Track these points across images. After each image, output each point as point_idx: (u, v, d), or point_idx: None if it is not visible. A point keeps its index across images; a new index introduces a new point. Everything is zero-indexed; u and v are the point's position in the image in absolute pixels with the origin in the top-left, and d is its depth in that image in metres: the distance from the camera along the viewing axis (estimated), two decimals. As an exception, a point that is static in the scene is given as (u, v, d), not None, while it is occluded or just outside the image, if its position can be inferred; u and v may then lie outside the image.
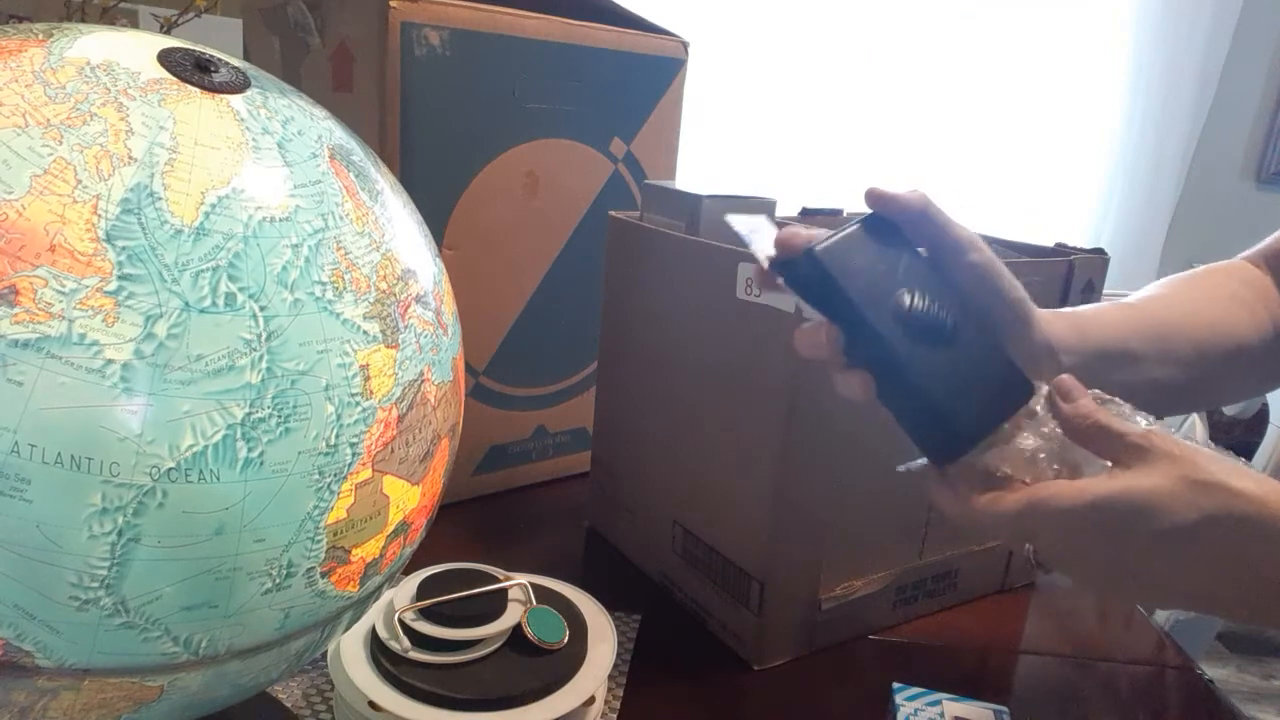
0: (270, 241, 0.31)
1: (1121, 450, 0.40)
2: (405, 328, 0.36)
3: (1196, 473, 0.38)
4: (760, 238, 0.47)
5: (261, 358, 0.30)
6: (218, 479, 0.30)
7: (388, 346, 0.34)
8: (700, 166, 2.00)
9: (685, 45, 0.84)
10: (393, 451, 0.35)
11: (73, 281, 0.28)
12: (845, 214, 0.83)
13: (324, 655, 0.50)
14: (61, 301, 0.28)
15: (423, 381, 0.37)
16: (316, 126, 0.36)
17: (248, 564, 0.31)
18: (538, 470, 0.85)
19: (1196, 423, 1.34)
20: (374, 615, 0.49)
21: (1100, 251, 0.68)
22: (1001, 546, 0.71)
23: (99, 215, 0.29)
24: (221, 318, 0.30)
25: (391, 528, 0.37)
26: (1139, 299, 0.57)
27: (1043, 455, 0.42)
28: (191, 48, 0.35)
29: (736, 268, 0.57)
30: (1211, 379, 0.56)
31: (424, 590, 0.50)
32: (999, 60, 2.21)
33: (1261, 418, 1.41)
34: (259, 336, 0.30)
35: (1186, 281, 0.59)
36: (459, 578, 0.51)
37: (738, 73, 2.09)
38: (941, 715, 0.50)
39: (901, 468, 0.46)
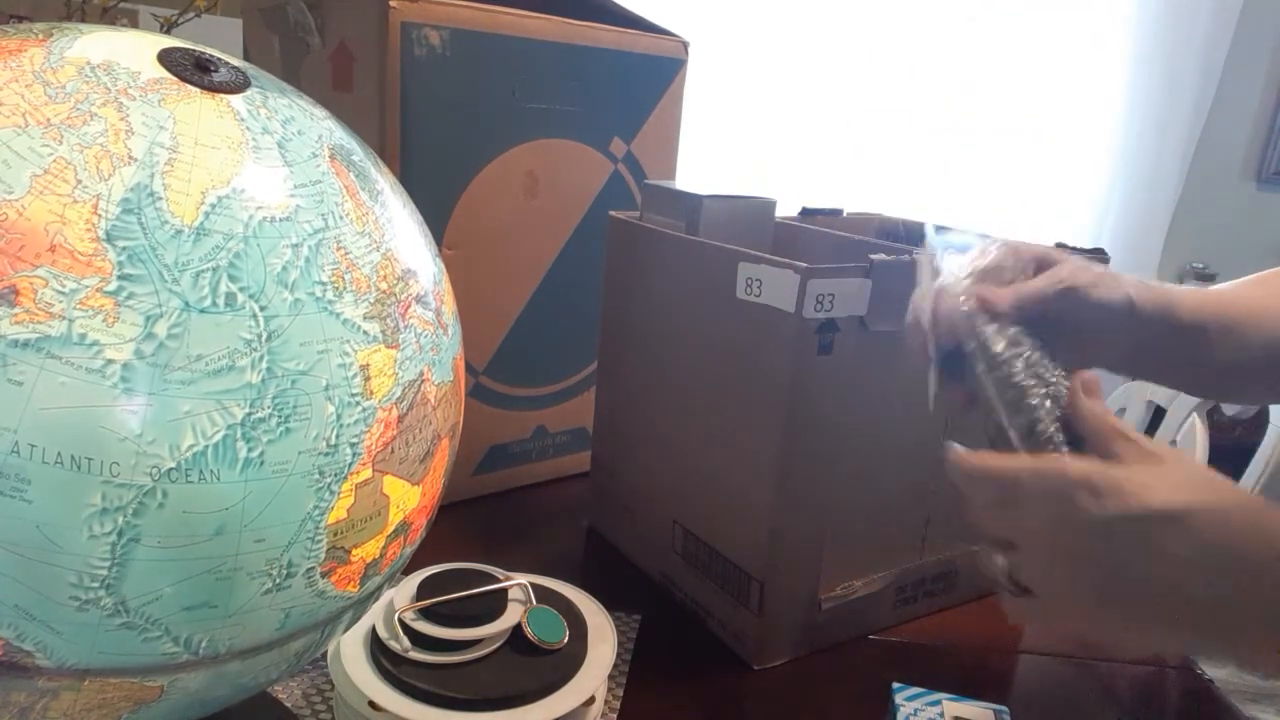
0: (270, 241, 0.31)
1: (1129, 453, 0.40)
2: (405, 328, 0.36)
3: (1198, 474, 0.38)
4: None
5: (262, 358, 0.30)
6: (218, 479, 0.30)
7: (388, 346, 0.34)
8: (700, 166, 2.00)
9: (685, 45, 0.84)
10: (393, 451, 0.35)
11: (73, 281, 0.28)
12: (845, 214, 0.83)
13: (324, 655, 0.50)
14: (61, 301, 0.28)
15: (423, 381, 0.37)
16: (316, 126, 0.36)
17: (248, 564, 0.31)
18: (538, 470, 0.85)
19: (1196, 423, 1.34)
20: (374, 615, 0.49)
21: (1100, 251, 0.67)
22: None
23: (99, 215, 0.29)
24: (221, 318, 0.30)
25: (391, 528, 0.37)
26: (1228, 286, 0.57)
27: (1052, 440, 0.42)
28: (191, 48, 0.35)
29: (736, 267, 0.57)
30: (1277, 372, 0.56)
31: (424, 590, 0.50)
32: (999, 60, 2.21)
33: (1261, 418, 1.41)
34: (259, 336, 0.30)
35: (1263, 277, 0.59)
36: (459, 578, 0.51)
37: (738, 73, 2.09)
38: (941, 715, 0.50)
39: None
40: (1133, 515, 0.38)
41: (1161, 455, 0.39)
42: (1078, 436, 0.42)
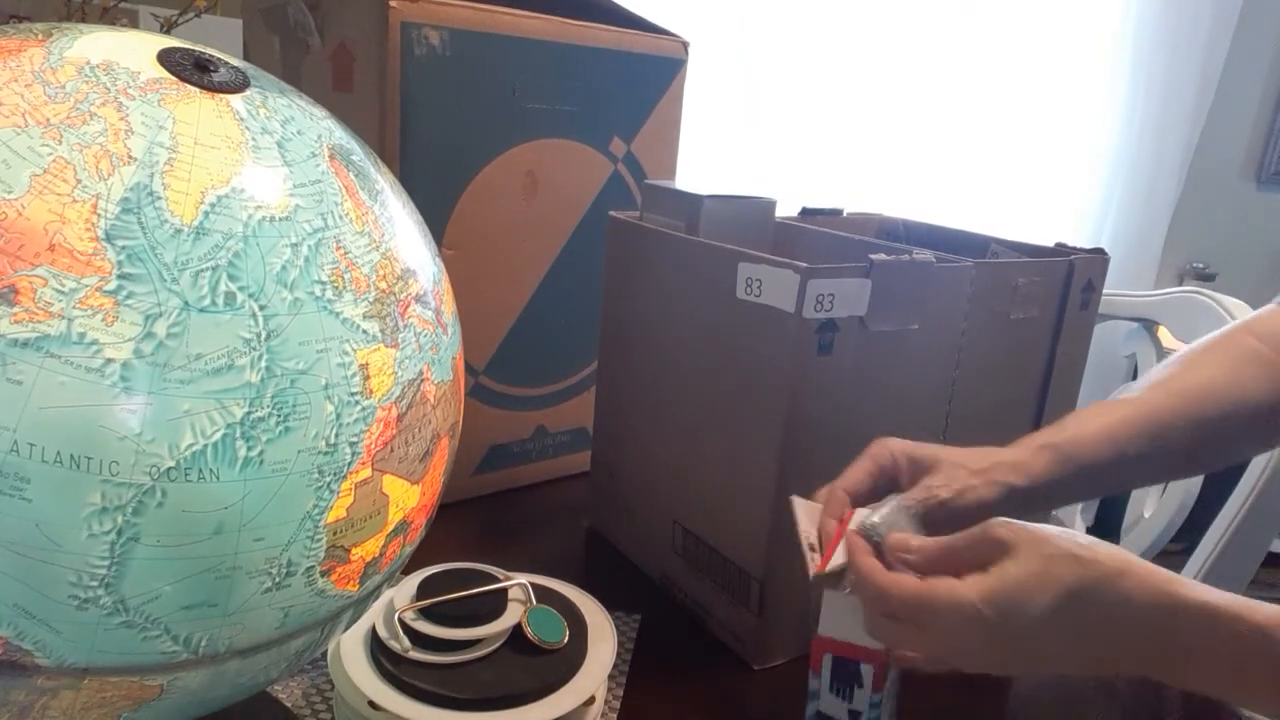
0: (270, 241, 0.31)
1: (985, 551, 0.42)
2: (405, 327, 0.36)
3: (1050, 548, 0.41)
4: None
5: (261, 357, 0.30)
6: (217, 478, 0.30)
7: (387, 346, 0.34)
8: (700, 166, 2.00)
9: (685, 45, 0.84)
10: (392, 450, 0.35)
11: (72, 281, 0.28)
12: (845, 214, 0.83)
13: (324, 655, 0.50)
14: (61, 301, 0.28)
15: (422, 381, 0.37)
16: (316, 126, 0.36)
17: (247, 563, 0.31)
18: (538, 470, 0.85)
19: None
20: (374, 615, 0.49)
21: (1100, 251, 0.68)
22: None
23: (99, 215, 0.29)
24: (221, 317, 0.30)
25: (391, 527, 0.37)
26: (1141, 388, 0.57)
27: None
28: (191, 48, 0.35)
29: (736, 268, 0.57)
30: (1214, 447, 0.57)
31: (424, 590, 0.50)
32: (999, 60, 2.21)
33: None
34: (258, 336, 0.30)
35: (1202, 351, 0.59)
36: (459, 578, 0.51)
37: (738, 73, 2.09)
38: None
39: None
40: (1027, 621, 0.40)
41: (1004, 541, 0.42)
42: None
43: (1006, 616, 0.40)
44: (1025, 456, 0.51)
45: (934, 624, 0.42)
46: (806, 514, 0.51)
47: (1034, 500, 0.51)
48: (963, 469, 0.50)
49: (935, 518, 0.48)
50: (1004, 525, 0.42)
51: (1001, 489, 0.50)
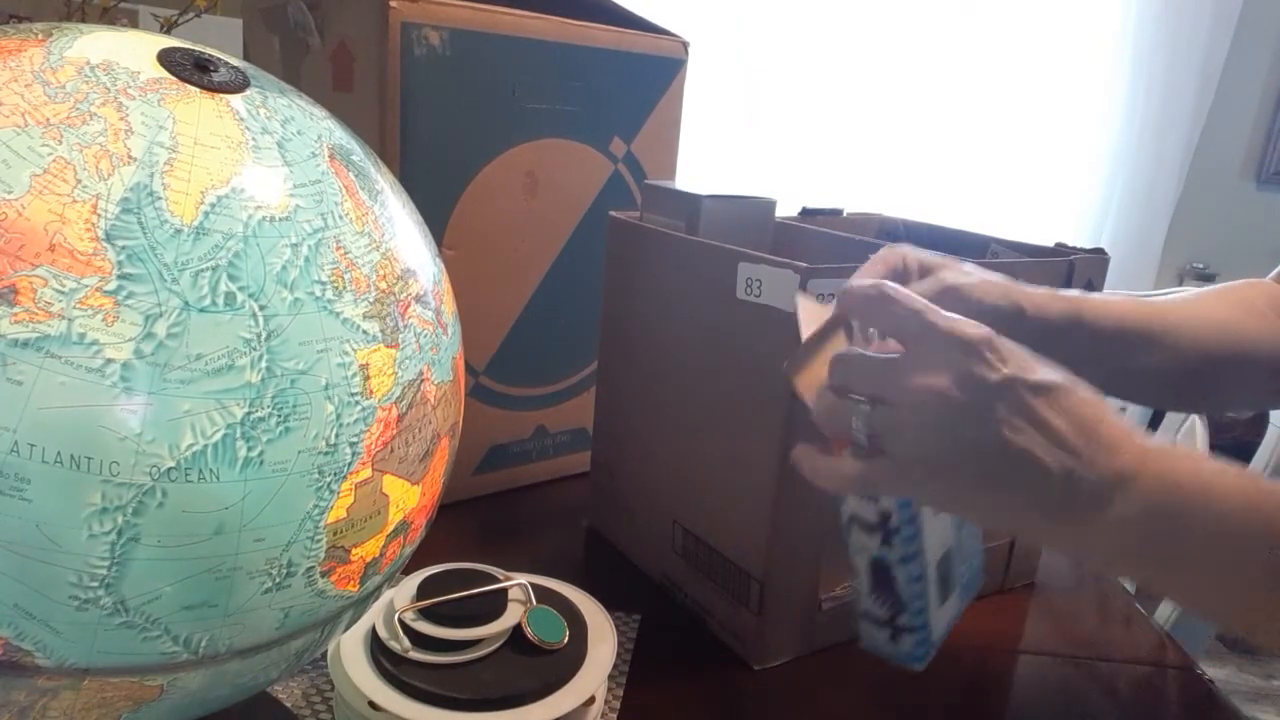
0: (270, 241, 0.31)
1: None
2: (405, 327, 0.36)
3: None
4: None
5: (261, 357, 0.30)
6: (217, 478, 0.30)
7: (387, 346, 0.34)
8: (700, 166, 2.00)
9: (685, 45, 0.84)
10: (392, 451, 0.35)
11: (72, 281, 0.28)
12: (845, 214, 0.83)
13: (324, 655, 0.50)
14: (61, 301, 0.28)
15: (422, 381, 0.37)
16: (316, 126, 0.36)
17: (247, 563, 0.31)
18: (538, 470, 0.85)
19: (1196, 423, 1.34)
20: (374, 615, 0.49)
21: (1100, 251, 0.68)
22: (999, 546, 0.71)
23: (99, 215, 0.29)
24: (221, 317, 0.30)
25: (391, 527, 0.37)
26: (1153, 296, 0.58)
27: None
28: (191, 48, 0.35)
29: (736, 267, 0.57)
30: (1215, 379, 0.56)
31: (424, 590, 0.50)
32: (999, 60, 2.21)
33: (1261, 417, 1.41)
34: (259, 336, 0.30)
35: (1206, 289, 0.60)
36: (459, 578, 0.51)
37: (738, 73, 2.09)
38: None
39: None
40: (1022, 381, 0.39)
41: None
42: None
43: (1001, 364, 0.39)
44: (1041, 293, 0.50)
45: (931, 361, 0.40)
46: (809, 314, 0.49)
47: (1040, 338, 0.48)
48: (977, 273, 0.49)
49: (944, 304, 0.46)
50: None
51: (1011, 305, 0.49)
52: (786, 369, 0.46)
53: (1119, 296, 0.55)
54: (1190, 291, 0.61)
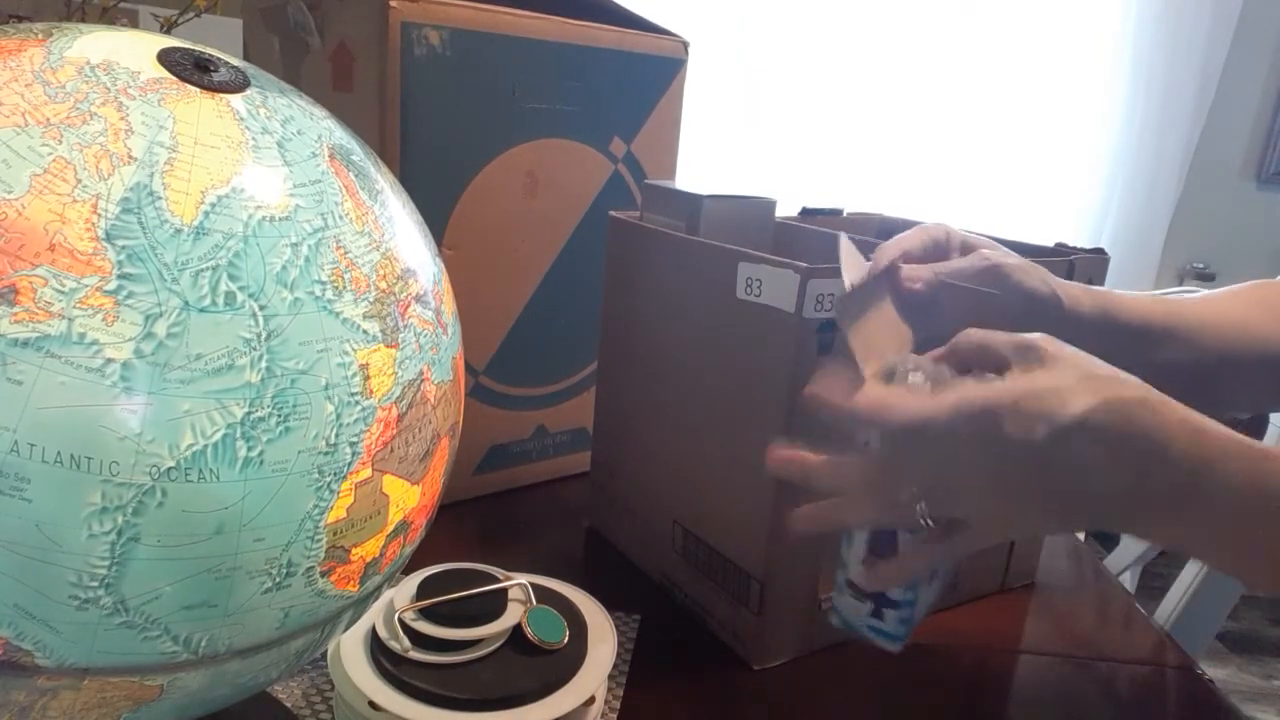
0: (270, 241, 0.31)
1: (1021, 352, 0.41)
2: (405, 327, 0.36)
3: (1091, 366, 0.40)
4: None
5: (261, 357, 0.30)
6: (217, 478, 0.30)
7: (387, 346, 0.34)
8: (700, 166, 2.00)
9: (685, 45, 0.84)
10: (392, 451, 0.35)
11: (72, 281, 0.28)
12: (845, 214, 0.83)
13: (324, 655, 0.50)
14: (61, 301, 0.28)
15: (422, 381, 0.37)
16: (316, 126, 0.36)
17: (247, 563, 0.31)
18: (538, 470, 0.85)
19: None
20: (374, 615, 0.49)
21: (1100, 251, 0.67)
22: (999, 546, 0.71)
23: (99, 214, 0.29)
24: (221, 317, 0.30)
25: (391, 527, 0.37)
26: (1176, 295, 0.58)
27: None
28: (191, 47, 0.35)
29: (737, 267, 0.57)
30: (1233, 377, 0.57)
31: (424, 590, 0.50)
32: (999, 60, 2.21)
33: (1261, 417, 1.41)
34: (259, 336, 0.30)
35: (1229, 289, 0.61)
36: (459, 578, 0.51)
37: (738, 73, 2.09)
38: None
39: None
40: (1058, 430, 0.39)
41: (1043, 351, 0.40)
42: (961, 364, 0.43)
43: (1034, 421, 0.38)
44: (1074, 285, 0.52)
45: (934, 440, 0.40)
46: (850, 259, 0.49)
47: (1072, 329, 0.49)
48: (1016, 257, 0.50)
49: (985, 281, 0.48)
50: (1047, 339, 0.41)
51: (1050, 292, 0.50)
52: (837, 313, 0.47)
53: (1140, 294, 0.55)
54: (1202, 292, 0.61)
